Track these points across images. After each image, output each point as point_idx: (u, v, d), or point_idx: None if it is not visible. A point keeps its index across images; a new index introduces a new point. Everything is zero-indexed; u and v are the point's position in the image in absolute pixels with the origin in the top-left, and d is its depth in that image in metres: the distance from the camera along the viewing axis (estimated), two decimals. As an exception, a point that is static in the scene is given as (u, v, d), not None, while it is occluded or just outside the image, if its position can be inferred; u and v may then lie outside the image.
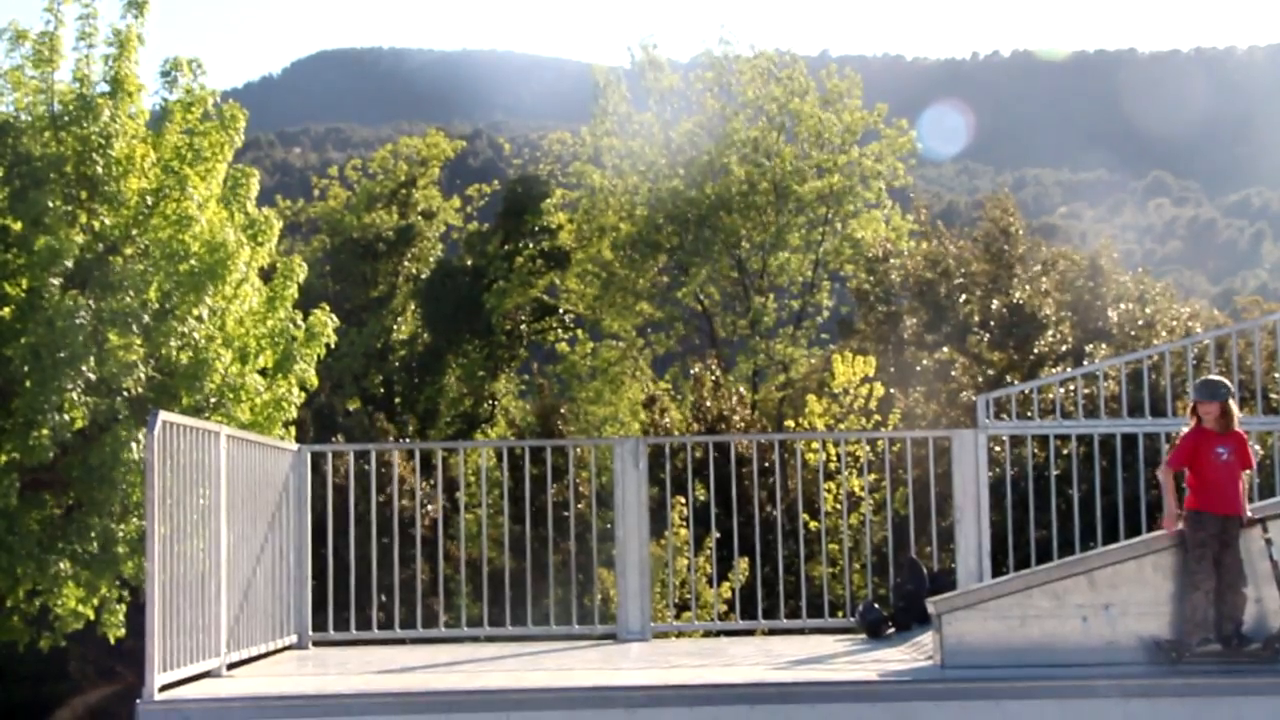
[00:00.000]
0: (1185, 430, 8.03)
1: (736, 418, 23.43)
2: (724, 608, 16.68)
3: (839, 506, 14.91)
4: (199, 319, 13.84)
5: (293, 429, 15.45)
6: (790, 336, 33.35)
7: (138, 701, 7.13)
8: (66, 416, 12.92)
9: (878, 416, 21.94)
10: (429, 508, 14.69)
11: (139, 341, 13.41)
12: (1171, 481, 7.90)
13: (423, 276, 38.13)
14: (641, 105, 35.77)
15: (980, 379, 24.71)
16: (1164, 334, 24.54)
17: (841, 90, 34.30)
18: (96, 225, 13.88)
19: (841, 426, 21.28)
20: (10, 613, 14.15)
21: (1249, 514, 7.83)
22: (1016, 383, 18.42)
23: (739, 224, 33.29)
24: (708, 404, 24.08)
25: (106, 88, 14.23)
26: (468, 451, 19.28)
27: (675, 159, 34.20)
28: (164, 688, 7.27)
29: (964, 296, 26.85)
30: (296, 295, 15.48)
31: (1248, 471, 8.07)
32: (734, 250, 33.86)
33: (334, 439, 26.72)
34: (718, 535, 12.08)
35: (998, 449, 13.86)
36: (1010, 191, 32.67)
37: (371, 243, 37.83)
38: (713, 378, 26.53)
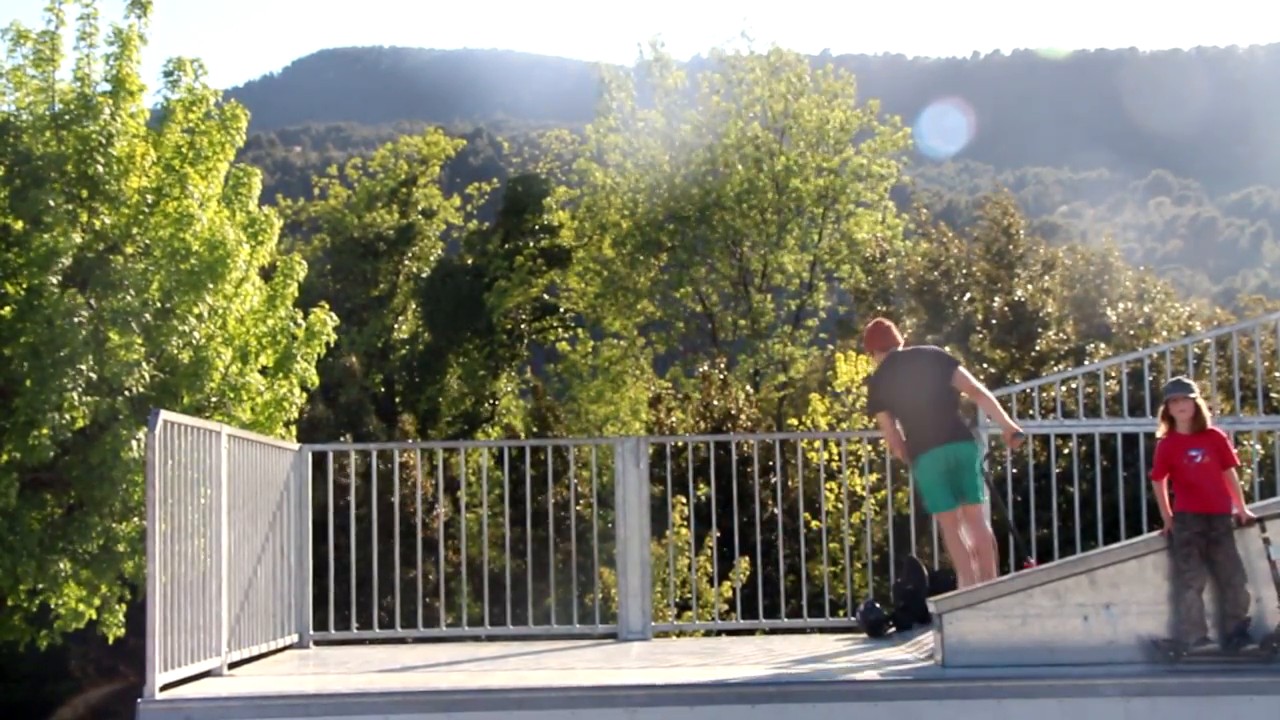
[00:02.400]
0: (1158, 438, 8.02)
1: (743, 417, 23.43)
2: (725, 607, 16.68)
3: (840, 506, 14.92)
4: (199, 318, 13.84)
5: (293, 428, 15.46)
6: (789, 336, 33.37)
7: (139, 700, 7.12)
8: (67, 416, 12.92)
9: (879, 415, 21.91)
10: (436, 510, 14.74)
11: (140, 340, 13.42)
12: (1163, 490, 7.94)
13: (423, 275, 38.15)
14: (646, 103, 35.79)
15: (982, 377, 24.69)
16: (1164, 333, 24.53)
17: (836, 89, 34.35)
18: (97, 224, 13.88)
19: (843, 426, 21.27)
20: (11, 612, 14.16)
21: (1248, 514, 7.81)
22: (1018, 381, 18.40)
23: (739, 223, 33.31)
24: (714, 402, 24.08)
25: (108, 87, 14.24)
26: (468, 451, 19.29)
27: (678, 157, 34.21)
28: (165, 687, 7.26)
29: (969, 295, 26.84)
30: (297, 294, 15.49)
31: (1245, 469, 8.04)
32: (734, 249, 33.88)
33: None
34: (718, 534, 12.07)
35: (999, 448, 13.83)
36: (1011, 190, 32.67)
37: (372, 242, 37.86)
38: (720, 376, 26.53)
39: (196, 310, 13.79)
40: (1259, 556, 7.78)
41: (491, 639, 10.62)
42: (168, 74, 14.74)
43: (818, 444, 18.64)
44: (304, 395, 15.17)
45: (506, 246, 37.77)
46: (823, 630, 10.76)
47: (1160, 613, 7.72)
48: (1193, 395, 7.87)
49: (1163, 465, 7.93)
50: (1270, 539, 7.68)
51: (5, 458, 13.19)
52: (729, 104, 34.30)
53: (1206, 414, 7.93)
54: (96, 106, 13.87)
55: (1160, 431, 8.01)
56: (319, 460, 10.48)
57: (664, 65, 35.92)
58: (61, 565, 13.36)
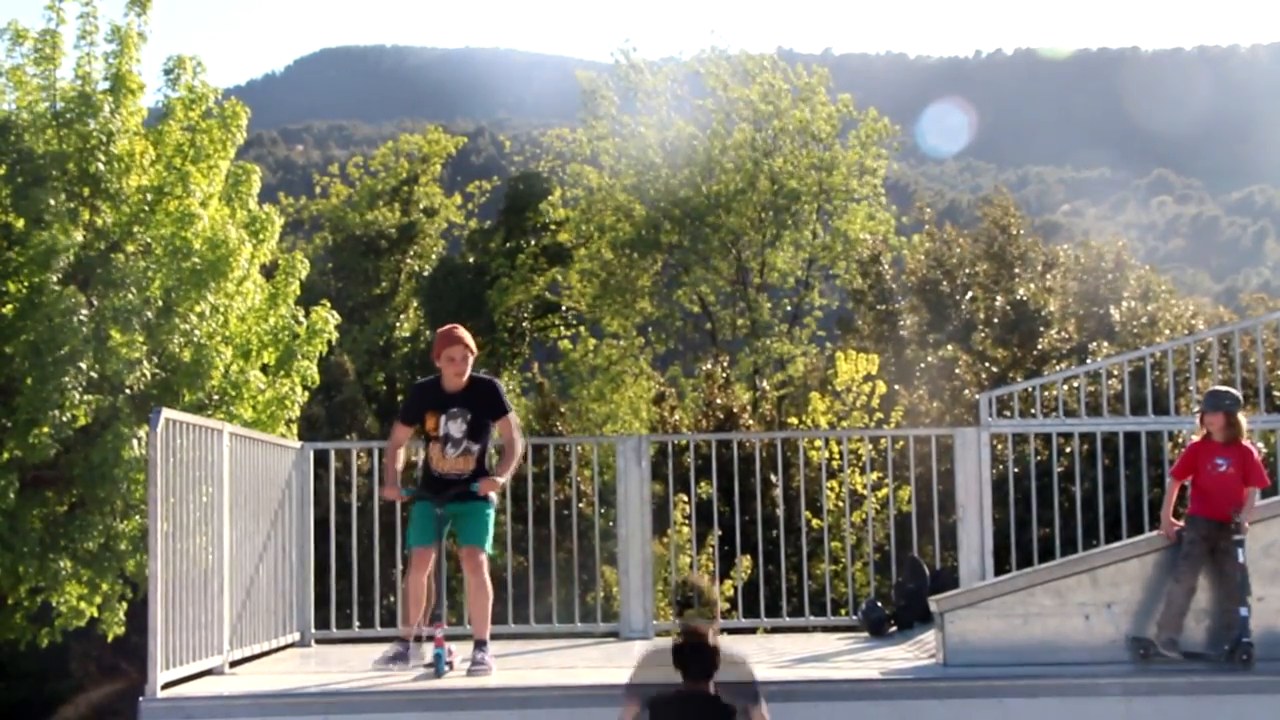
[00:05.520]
0: (1193, 438, 8.06)
1: (746, 415, 23.44)
2: (726, 605, 16.66)
3: (842, 504, 14.89)
4: (201, 316, 13.84)
5: (294, 426, 15.45)
6: (786, 334, 33.39)
7: (140, 699, 7.12)
8: (68, 414, 12.92)
9: (880, 414, 21.93)
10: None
11: (141, 339, 13.41)
12: (1175, 490, 7.92)
13: (425, 274, 38.14)
14: (632, 107, 35.93)
15: (984, 376, 24.70)
16: (1166, 331, 24.52)
17: (812, 87, 34.40)
18: (99, 222, 13.88)
19: (844, 424, 21.25)
20: (12, 610, 14.16)
21: (1246, 525, 7.70)
22: (1020, 380, 18.39)
23: (735, 221, 33.34)
24: (717, 401, 24.08)
25: (108, 85, 14.23)
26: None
27: (671, 159, 34.25)
28: (167, 685, 7.25)
29: (970, 294, 26.85)
30: (298, 292, 15.49)
31: (1261, 489, 7.90)
32: (732, 249, 33.89)
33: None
34: (720, 533, 12.06)
35: (1000, 447, 13.85)
36: (1012, 189, 32.74)
37: (374, 240, 37.84)
38: (723, 375, 26.55)
39: (198, 308, 13.79)
40: (1264, 556, 7.77)
41: (493, 638, 10.59)
42: (167, 72, 14.74)
43: (818, 443, 18.62)
44: (305, 394, 15.17)
45: (508, 245, 37.76)
46: (824, 629, 10.75)
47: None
48: (1221, 410, 7.87)
49: (1186, 467, 7.94)
50: (1244, 541, 7.64)
51: (6, 456, 13.19)
52: (710, 100, 34.39)
53: (1244, 426, 7.95)
54: (97, 105, 13.86)
55: (1197, 435, 8.03)
56: (320, 458, 10.46)
57: (638, 71, 36.07)
58: (62, 563, 13.35)
